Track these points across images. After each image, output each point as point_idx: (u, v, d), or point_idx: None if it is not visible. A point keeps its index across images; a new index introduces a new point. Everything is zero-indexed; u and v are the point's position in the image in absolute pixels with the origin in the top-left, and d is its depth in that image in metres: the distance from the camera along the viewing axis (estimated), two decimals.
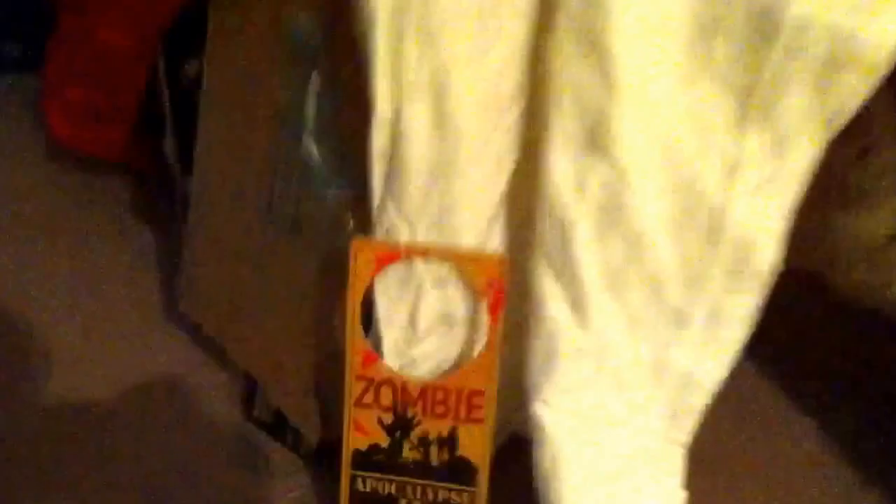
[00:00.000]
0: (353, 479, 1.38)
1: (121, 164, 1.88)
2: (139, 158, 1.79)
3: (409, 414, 1.33)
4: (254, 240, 1.46)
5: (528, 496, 1.22)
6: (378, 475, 1.37)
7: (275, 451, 1.62)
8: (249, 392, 1.69)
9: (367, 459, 1.36)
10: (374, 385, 1.32)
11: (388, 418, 1.34)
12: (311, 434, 1.54)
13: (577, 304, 1.06)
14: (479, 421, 1.32)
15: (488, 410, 1.31)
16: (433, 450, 1.35)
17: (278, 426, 1.63)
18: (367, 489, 1.38)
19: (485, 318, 1.21)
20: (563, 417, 1.25)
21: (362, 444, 1.36)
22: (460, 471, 1.35)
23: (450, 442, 1.34)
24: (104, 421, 1.52)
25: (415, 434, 1.34)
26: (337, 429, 1.38)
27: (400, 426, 1.34)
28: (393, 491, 1.37)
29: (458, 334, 1.26)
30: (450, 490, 1.36)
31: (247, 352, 1.61)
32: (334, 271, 1.26)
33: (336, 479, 1.38)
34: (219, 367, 1.70)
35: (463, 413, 1.32)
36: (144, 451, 1.50)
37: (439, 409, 1.33)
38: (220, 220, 1.53)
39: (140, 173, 1.91)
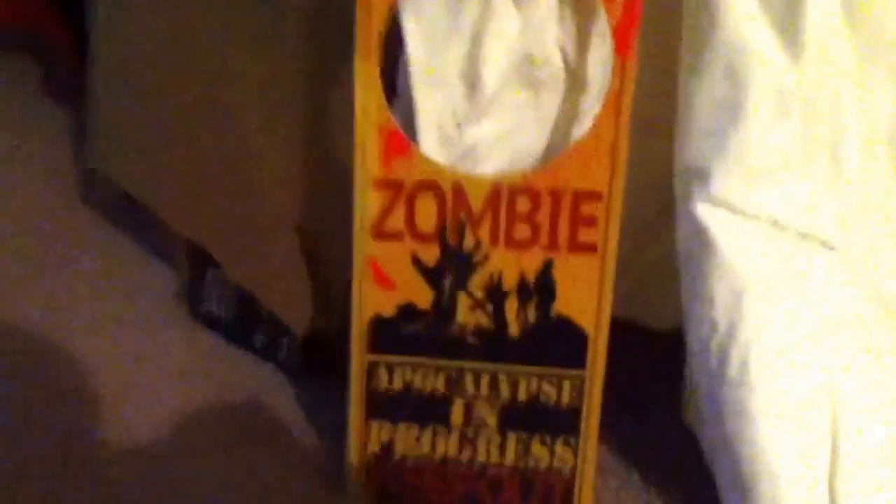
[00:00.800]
0: (370, 369, 0.80)
1: None
2: (51, 28, 1.52)
3: (468, 244, 0.76)
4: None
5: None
6: (415, 359, 0.80)
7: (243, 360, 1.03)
8: (194, 277, 1.09)
9: (393, 334, 0.79)
10: (405, 195, 0.74)
11: (431, 255, 0.76)
12: (296, 322, 0.95)
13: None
14: (591, 249, 0.75)
15: (609, 229, 0.74)
16: (510, 308, 0.78)
17: (241, 322, 1.04)
18: (395, 384, 0.80)
19: (600, 59, 0.72)
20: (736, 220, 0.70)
21: (386, 305, 0.78)
22: (559, 342, 0.78)
23: (541, 291, 0.77)
24: None
25: (478, 281, 0.77)
26: (337, 305, 0.82)
27: (452, 268, 0.77)
28: (441, 386, 0.80)
29: (551, 98, 0.74)
30: (541, 378, 0.79)
31: (184, 215, 1.02)
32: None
33: (337, 389, 0.82)
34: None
35: (564, 236, 0.75)
36: None
37: (521, 233, 0.75)
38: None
39: None
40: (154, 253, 1.16)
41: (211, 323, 1.11)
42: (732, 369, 0.74)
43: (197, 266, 1.10)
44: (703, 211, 0.72)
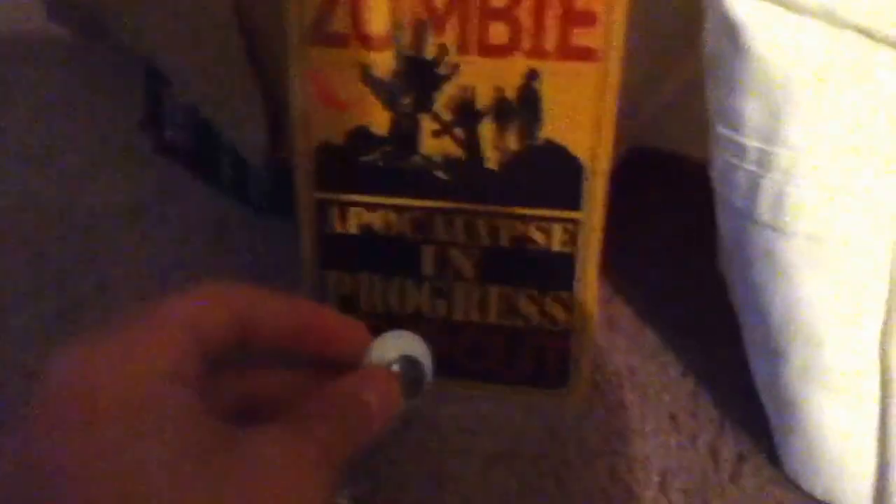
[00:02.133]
0: (320, 209, 0.66)
1: None
2: None
3: (431, 50, 0.60)
4: None
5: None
6: (374, 198, 0.65)
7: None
8: (153, 104, 0.95)
9: (346, 166, 0.64)
10: None
11: (385, 66, 0.60)
12: (252, 151, 0.81)
13: None
14: (587, 55, 0.58)
15: (611, 28, 0.57)
16: (486, 133, 0.62)
17: (202, 151, 0.91)
18: (352, 228, 0.66)
19: None
20: (777, 11, 0.53)
21: (334, 131, 0.63)
22: (548, 175, 0.63)
23: (523, 110, 0.61)
24: None
25: (445, 99, 0.61)
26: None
27: (411, 83, 0.61)
28: (406, 230, 0.66)
29: None
30: (526, 220, 0.64)
31: (142, 32, 0.86)
32: None
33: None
34: None
35: (552, 38, 0.58)
36: None
37: (498, 36, 0.58)
38: None
39: None
40: (118, 85, 1.03)
41: (173, 153, 0.97)
42: (763, 207, 0.58)
43: (154, 88, 0.96)
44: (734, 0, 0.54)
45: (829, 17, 0.54)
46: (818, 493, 0.63)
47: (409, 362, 0.69)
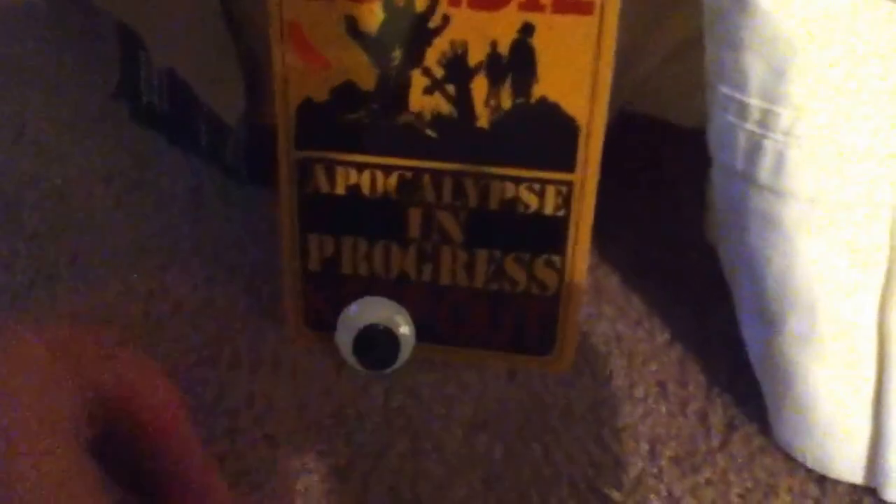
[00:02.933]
0: (302, 168, 0.64)
1: None
2: None
3: (421, 2, 0.57)
4: None
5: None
6: (358, 156, 0.63)
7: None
8: (130, 69, 0.91)
9: (329, 123, 0.62)
10: None
11: (372, 19, 0.58)
12: (229, 112, 0.78)
13: None
14: (583, 8, 0.56)
15: None
16: (478, 90, 0.60)
17: (180, 117, 0.88)
18: (336, 188, 0.64)
19: None
20: None
21: (317, 87, 0.60)
22: (541, 135, 0.61)
23: (517, 66, 0.58)
24: None
25: (435, 54, 0.59)
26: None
27: (400, 36, 0.58)
28: (392, 190, 0.63)
29: None
30: (517, 181, 0.62)
31: None
32: None
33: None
34: None
35: None
36: None
37: None
38: None
39: None
40: (91, 50, 0.98)
41: (151, 119, 0.94)
42: (764, 169, 0.56)
43: (130, 52, 0.92)
44: None
45: None
46: (810, 462, 0.62)
47: (381, 331, 0.67)
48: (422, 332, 0.68)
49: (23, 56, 1.08)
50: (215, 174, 0.89)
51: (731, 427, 0.65)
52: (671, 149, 0.83)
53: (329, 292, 0.68)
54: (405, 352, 0.68)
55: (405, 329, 0.67)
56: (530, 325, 0.67)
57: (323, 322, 0.69)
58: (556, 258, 0.64)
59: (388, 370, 0.68)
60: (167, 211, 0.86)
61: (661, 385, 0.68)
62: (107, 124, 0.96)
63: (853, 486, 0.61)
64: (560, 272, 0.64)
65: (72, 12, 1.11)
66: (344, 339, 0.67)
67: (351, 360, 0.68)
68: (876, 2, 0.53)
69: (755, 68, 0.54)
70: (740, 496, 0.61)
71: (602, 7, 0.56)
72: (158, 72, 0.89)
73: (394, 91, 0.60)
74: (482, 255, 0.65)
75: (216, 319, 0.74)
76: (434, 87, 0.59)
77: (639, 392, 0.67)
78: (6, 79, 1.05)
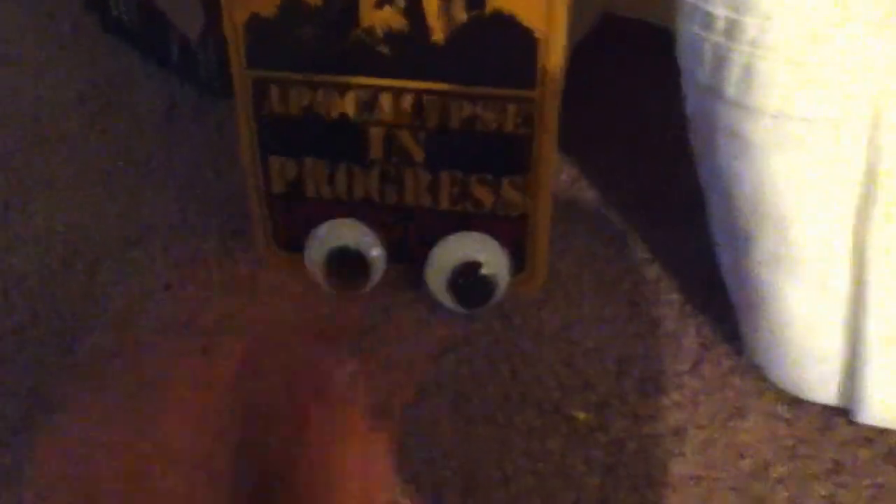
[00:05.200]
0: (256, 88, 0.61)
1: None
2: None
3: None
4: None
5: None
6: (312, 76, 0.60)
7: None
8: None
9: (279, 41, 0.59)
10: None
11: None
12: (189, 25, 0.75)
13: None
14: None
15: None
16: (430, 3, 0.56)
17: (150, 32, 0.85)
18: (292, 109, 0.62)
19: None
20: None
21: (264, 1, 0.57)
22: (498, 49, 0.58)
23: None
24: None
25: None
26: None
27: None
28: (350, 110, 0.61)
29: None
30: (476, 99, 0.60)
31: None
32: None
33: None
34: None
35: None
36: None
37: None
38: None
39: None
40: None
41: (121, 33, 0.92)
42: (730, 83, 0.53)
43: None
44: None
45: None
46: (783, 383, 0.61)
47: (352, 254, 0.66)
48: (391, 254, 0.66)
49: None
50: (189, 90, 0.86)
51: (702, 348, 0.64)
52: (654, 52, 0.79)
53: (295, 214, 0.67)
54: (376, 274, 0.66)
55: (375, 251, 0.66)
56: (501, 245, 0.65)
57: (292, 242, 0.68)
58: (520, 178, 0.62)
59: (359, 292, 0.67)
60: (141, 130, 0.84)
61: (633, 304, 0.66)
62: (79, 37, 0.94)
63: (825, 408, 0.60)
64: (525, 191, 0.62)
65: None
66: (315, 260, 0.66)
67: (322, 282, 0.67)
68: None
69: None
70: (709, 418, 0.60)
71: None
72: None
73: (343, 5, 0.57)
74: (445, 175, 0.63)
75: (188, 241, 0.73)
76: (384, 1, 0.56)
77: (609, 311, 0.66)
78: None
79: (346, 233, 0.65)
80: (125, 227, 0.75)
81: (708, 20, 0.53)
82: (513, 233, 0.64)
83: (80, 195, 0.79)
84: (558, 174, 0.65)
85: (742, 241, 0.59)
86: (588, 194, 0.73)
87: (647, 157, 0.75)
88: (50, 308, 0.70)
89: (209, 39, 0.77)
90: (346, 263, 0.66)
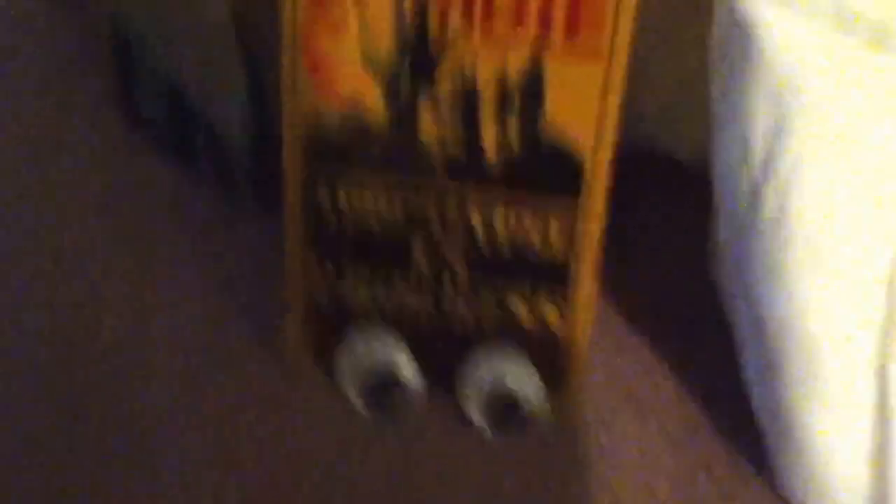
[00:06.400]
0: (308, 193, 0.64)
1: None
2: None
3: (433, 33, 0.58)
4: None
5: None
6: (364, 183, 0.63)
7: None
8: (126, 78, 0.90)
9: (337, 150, 0.62)
10: None
11: (384, 47, 0.59)
12: (235, 134, 0.79)
13: None
14: (593, 51, 0.57)
15: (619, 25, 0.56)
16: (486, 121, 0.60)
17: (180, 132, 0.87)
18: (341, 214, 0.64)
19: None
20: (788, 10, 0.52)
21: (327, 113, 0.61)
22: (547, 168, 0.61)
23: (525, 99, 0.59)
24: None
25: (445, 83, 0.59)
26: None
27: (412, 64, 0.59)
28: (398, 219, 0.64)
29: None
30: (522, 214, 0.63)
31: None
32: None
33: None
34: None
35: (559, 29, 0.56)
36: None
37: (503, 21, 0.57)
38: None
39: None
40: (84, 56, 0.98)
41: (148, 131, 0.92)
42: (766, 214, 0.57)
43: (125, 59, 0.90)
44: None
45: (845, 19, 0.52)
46: None
47: (387, 382, 0.67)
48: (424, 370, 0.68)
49: (16, 54, 1.06)
50: (219, 194, 0.86)
51: (734, 474, 0.64)
52: (678, 185, 0.82)
53: (333, 321, 0.68)
54: (415, 402, 0.67)
55: (415, 379, 0.67)
56: (535, 362, 0.67)
57: (326, 351, 0.69)
58: (559, 293, 0.64)
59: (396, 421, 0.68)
60: (168, 237, 0.84)
61: (666, 433, 0.67)
62: (99, 135, 0.93)
63: None
64: (563, 308, 0.64)
65: (55, 9, 1.08)
66: (350, 379, 0.68)
67: (357, 403, 0.68)
68: (877, 50, 0.53)
69: (760, 112, 0.55)
70: None
71: (611, 53, 0.57)
72: (158, 85, 0.88)
73: (402, 121, 0.61)
74: (486, 287, 0.65)
75: (215, 351, 0.74)
76: (442, 116, 0.60)
77: (642, 439, 0.67)
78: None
79: (384, 351, 0.67)
80: (155, 334, 0.76)
81: (746, 152, 0.56)
82: (549, 350, 0.66)
83: (108, 299, 0.80)
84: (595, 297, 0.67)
85: (771, 366, 0.61)
86: (618, 316, 0.75)
87: (674, 277, 0.77)
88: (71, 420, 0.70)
89: (250, 145, 0.80)
90: (385, 390, 0.67)
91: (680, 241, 0.77)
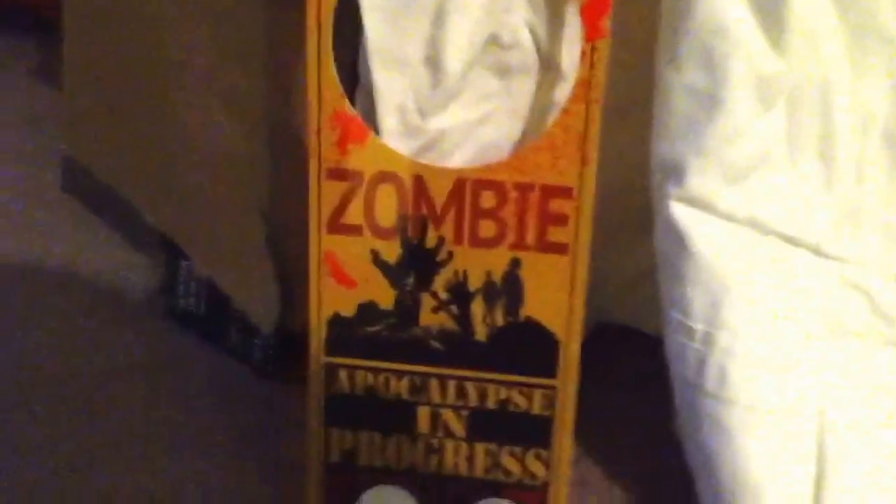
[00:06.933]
0: (329, 371, 0.76)
1: None
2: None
3: (431, 241, 0.72)
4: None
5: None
6: (377, 363, 0.75)
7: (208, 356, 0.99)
8: (169, 270, 1.06)
9: (354, 335, 0.75)
10: (363, 185, 0.70)
11: (392, 252, 0.72)
12: (263, 319, 0.92)
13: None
14: (561, 249, 0.70)
15: (580, 227, 0.69)
16: (477, 309, 0.73)
17: (214, 319, 1.01)
18: (356, 389, 0.76)
19: (575, 44, 0.68)
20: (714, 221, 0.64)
21: (345, 304, 0.74)
22: (529, 347, 0.73)
23: (508, 291, 0.72)
24: None
25: (442, 280, 0.72)
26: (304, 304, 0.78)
27: (414, 266, 0.72)
28: (405, 392, 0.76)
29: (523, 85, 0.70)
30: (510, 386, 0.74)
31: (153, 203, 0.99)
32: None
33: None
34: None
35: (532, 234, 0.70)
36: None
37: (487, 230, 0.70)
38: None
39: None
40: (133, 246, 1.13)
41: (185, 319, 1.06)
42: (710, 380, 0.68)
43: (171, 259, 1.06)
44: (679, 210, 0.67)
45: (759, 227, 0.66)
46: None
47: None
48: None
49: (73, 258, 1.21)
50: (243, 371, 1.00)
51: None
52: (646, 354, 0.94)
53: (347, 482, 0.79)
54: None
55: None
56: None
57: None
58: (543, 451, 0.75)
59: None
60: (196, 404, 0.97)
61: None
62: (145, 320, 1.08)
63: None
64: (547, 464, 0.75)
65: (103, 216, 1.23)
66: None
67: None
68: (798, 252, 0.66)
69: (697, 299, 0.67)
70: None
71: (575, 248, 0.70)
72: (197, 279, 1.03)
73: (408, 310, 0.73)
74: (481, 448, 0.76)
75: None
76: (440, 307, 0.73)
77: None
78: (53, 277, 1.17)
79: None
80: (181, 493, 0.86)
81: (689, 332, 0.69)
82: (535, 500, 0.76)
83: (138, 460, 0.90)
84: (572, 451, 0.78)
85: None
86: (596, 469, 0.86)
87: (644, 435, 0.88)
88: None
89: (274, 331, 0.93)
90: None
91: (650, 402, 0.89)
